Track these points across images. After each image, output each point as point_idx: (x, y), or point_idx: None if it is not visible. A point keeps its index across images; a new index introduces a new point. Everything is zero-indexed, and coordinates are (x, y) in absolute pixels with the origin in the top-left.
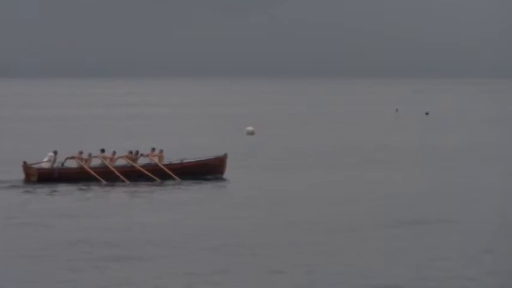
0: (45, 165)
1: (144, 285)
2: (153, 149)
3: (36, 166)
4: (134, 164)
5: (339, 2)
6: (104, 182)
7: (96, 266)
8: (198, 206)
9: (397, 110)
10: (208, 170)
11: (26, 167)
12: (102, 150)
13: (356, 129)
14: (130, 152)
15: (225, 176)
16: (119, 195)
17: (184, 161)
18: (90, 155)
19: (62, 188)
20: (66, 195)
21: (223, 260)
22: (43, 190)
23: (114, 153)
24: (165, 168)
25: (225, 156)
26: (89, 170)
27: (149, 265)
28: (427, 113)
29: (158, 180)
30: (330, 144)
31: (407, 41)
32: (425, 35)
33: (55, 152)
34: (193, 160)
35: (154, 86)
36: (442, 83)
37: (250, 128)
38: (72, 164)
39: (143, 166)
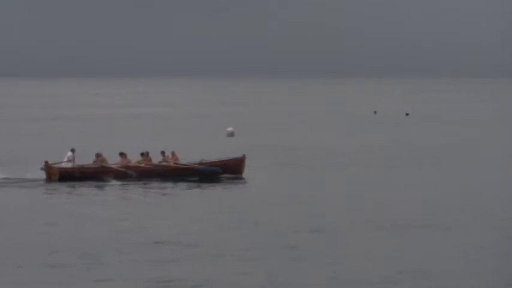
0: (66, 164)
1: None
2: (163, 152)
3: (57, 166)
4: (153, 164)
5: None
6: (124, 179)
7: (117, 264)
8: (218, 206)
9: (375, 112)
10: (227, 170)
11: (48, 167)
12: (121, 154)
13: (334, 130)
14: (142, 154)
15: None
16: (140, 194)
17: (203, 161)
18: (101, 158)
19: (83, 187)
20: (87, 194)
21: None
22: (65, 189)
23: (123, 154)
24: (182, 167)
25: (244, 157)
26: (110, 168)
27: (168, 264)
28: (407, 114)
29: (176, 179)
30: (311, 145)
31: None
32: (406, 33)
33: (73, 150)
34: (212, 161)
35: (123, 86)
36: (425, 82)
37: (230, 129)
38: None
39: (162, 166)
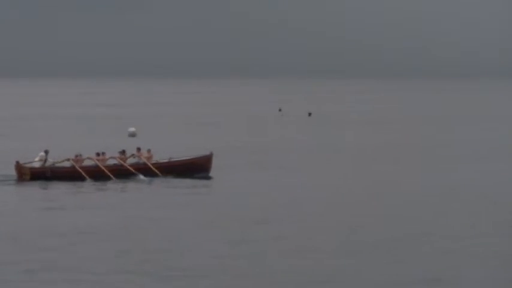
0: (37, 164)
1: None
2: (139, 149)
3: (28, 165)
4: (123, 163)
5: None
6: (93, 181)
7: (85, 261)
8: (185, 204)
9: (280, 110)
10: (195, 169)
11: (19, 167)
12: (97, 154)
13: (239, 129)
14: (121, 152)
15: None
16: (109, 193)
17: (172, 159)
18: (80, 155)
19: (54, 186)
20: (58, 193)
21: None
22: (35, 188)
23: (104, 153)
24: (153, 167)
25: (211, 154)
26: (80, 169)
27: (134, 260)
28: (309, 114)
29: (146, 178)
30: (215, 145)
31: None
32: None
33: (46, 152)
34: (180, 159)
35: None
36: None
37: (132, 129)
38: (65, 164)
39: (132, 165)
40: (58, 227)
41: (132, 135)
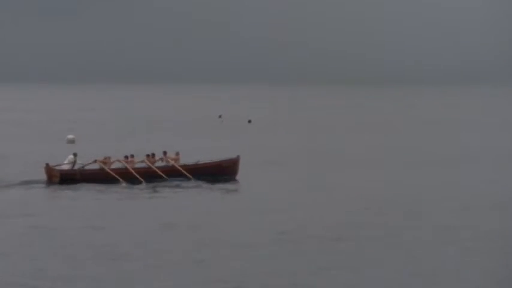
0: (66, 167)
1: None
2: (165, 152)
3: (57, 168)
4: (152, 166)
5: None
6: (123, 183)
7: (111, 265)
8: (213, 206)
9: (220, 117)
10: (222, 171)
11: (49, 169)
12: (126, 157)
13: (177, 135)
14: (148, 155)
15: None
16: (139, 195)
17: (199, 162)
18: (108, 158)
19: (83, 188)
20: (88, 195)
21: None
22: (66, 191)
23: (132, 156)
24: (181, 169)
25: (238, 157)
26: (109, 171)
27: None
28: (249, 121)
29: (174, 180)
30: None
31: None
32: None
33: (75, 155)
34: (208, 162)
35: None
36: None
37: (70, 136)
38: (93, 166)
39: (160, 168)
40: (91, 228)
41: (71, 141)
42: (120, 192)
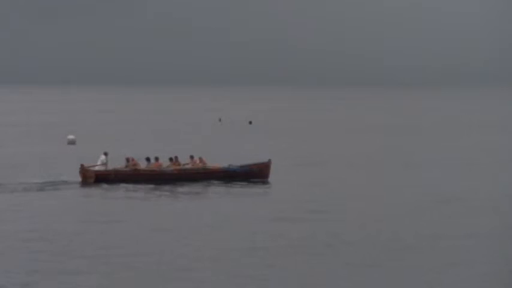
0: (100, 168)
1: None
2: (192, 157)
3: (92, 169)
4: (184, 168)
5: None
6: (155, 185)
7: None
8: (244, 209)
9: (220, 120)
10: (254, 175)
11: (84, 170)
12: (147, 159)
13: (180, 138)
14: (171, 159)
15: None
16: (171, 196)
17: (231, 166)
18: (133, 159)
19: (118, 188)
20: (121, 196)
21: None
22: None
23: (157, 159)
24: (215, 171)
25: (270, 161)
26: (144, 172)
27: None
28: (250, 122)
29: (206, 182)
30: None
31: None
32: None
33: (106, 154)
34: (240, 165)
35: None
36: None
37: (71, 137)
38: (122, 167)
39: (194, 170)
40: (127, 227)
41: (72, 142)
42: (154, 193)
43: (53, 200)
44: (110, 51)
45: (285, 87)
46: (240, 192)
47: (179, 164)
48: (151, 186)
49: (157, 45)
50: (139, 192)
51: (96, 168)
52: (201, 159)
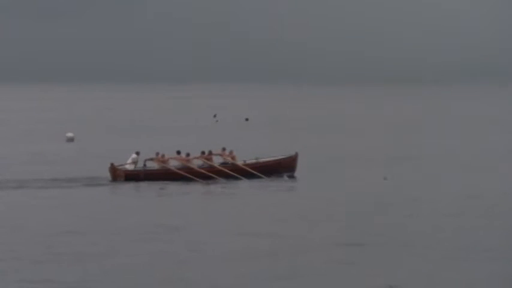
0: (130, 166)
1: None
2: (224, 149)
3: (122, 168)
4: (213, 164)
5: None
6: (190, 180)
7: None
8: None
9: (214, 116)
10: (281, 168)
11: (114, 169)
12: (178, 152)
13: (175, 137)
14: (203, 153)
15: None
16: (204, 192)
17: (259, 160)
18: (163, 155)
19: (146, 187)
20: (152, 194)
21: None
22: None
23: (188, 154)
24: (244, 167)
25: (297, 154)
26: (175, 170)
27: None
28: (246, 119)
29: (240, 178)
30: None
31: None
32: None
33: (138, 153)
34: (268, 159)
35: None
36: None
37: (70, 134)
38: (152, 165)
39: (222, 165)
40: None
41: (70, 140)
42: (184, 190)
43: (81, 198)
44: (109, 49)
45: (284, 85)
46: (276, 186)
47: (211, 159)
48: (184, 183)
49: (157, 43)
50: (168, 190)
51: (127, 166)
52: (231, 153)
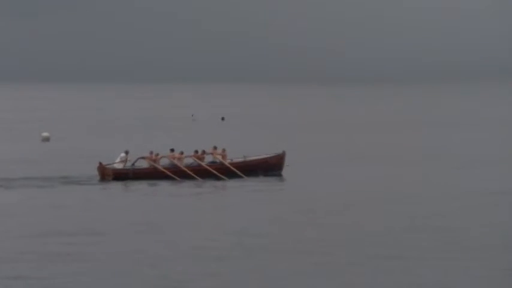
0: (118, 165)
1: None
2: (215, 148)
3: (110, 167)
4: (201, 163)
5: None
6: (176, 179)
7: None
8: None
9: (192, 115)
10: (268, 167)
11: (102, 168)
12: (172, 150)
13: (151, 134)
14: (196, 152)
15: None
16: (190, 192)
17: (247, 159)
18: (157, 154)
19: (135, 186)
20: (140, 193)
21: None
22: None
23: (182, 153)
24: (230, 166)
25: (284, 153)
26: (162, 169)
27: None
28: (223, 118)
29: (224, 177)
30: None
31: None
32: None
33: (126, 152)
34: (255, 158)
35: None
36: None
37: (45, 134)
38: (142, 163)
39: (210, 165)
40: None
41: (46, 139)
42: (171, 189)
43: (72, 197)
44: (91, 48)
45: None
46: (263, 185)
47: (203, 157)
48: (172, 182)
49: (142, 41)
50: (158, 189)
51: (115, 165)
52: (223, 151)
